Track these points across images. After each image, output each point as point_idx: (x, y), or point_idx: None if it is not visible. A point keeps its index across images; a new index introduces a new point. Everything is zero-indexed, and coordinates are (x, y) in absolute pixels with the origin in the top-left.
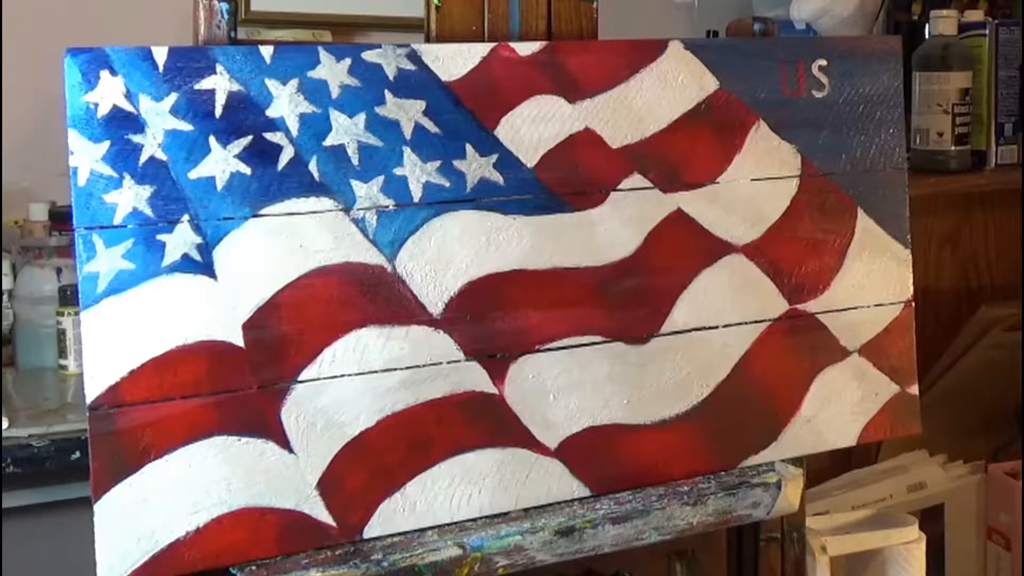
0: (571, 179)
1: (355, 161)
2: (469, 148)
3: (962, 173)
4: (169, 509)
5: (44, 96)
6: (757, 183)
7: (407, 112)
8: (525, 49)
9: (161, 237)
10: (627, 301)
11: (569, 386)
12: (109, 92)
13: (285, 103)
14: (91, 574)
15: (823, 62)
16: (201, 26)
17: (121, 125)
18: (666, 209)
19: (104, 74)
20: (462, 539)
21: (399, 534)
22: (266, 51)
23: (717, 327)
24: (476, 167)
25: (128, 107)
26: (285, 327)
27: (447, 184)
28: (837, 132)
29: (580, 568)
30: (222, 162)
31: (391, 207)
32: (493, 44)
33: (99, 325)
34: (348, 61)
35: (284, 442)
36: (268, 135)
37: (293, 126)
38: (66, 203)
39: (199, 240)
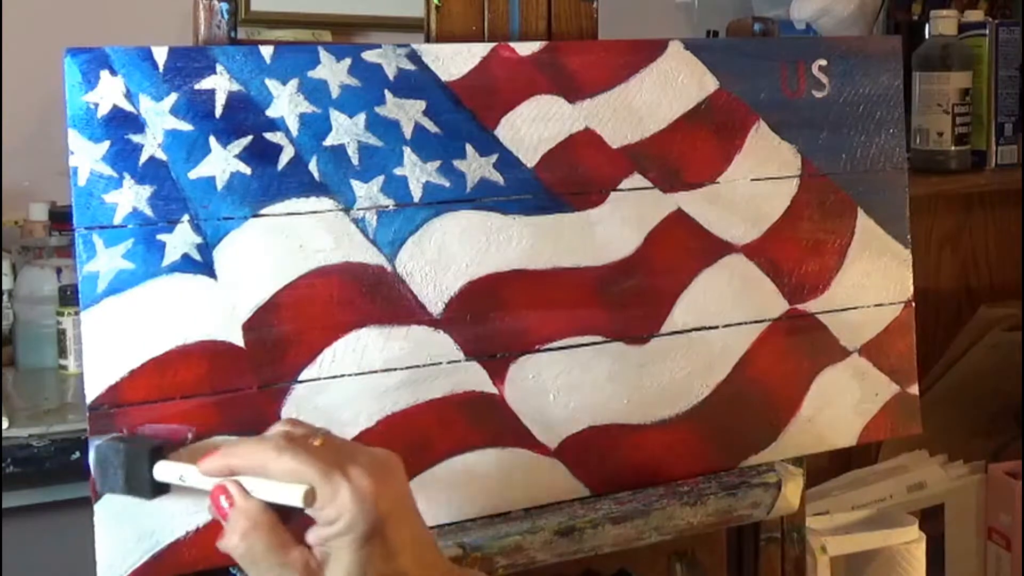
0: (571, 179)
1: (355, 161)
2: (469, 148)
3: (962, 173)
4: (169, 509)
5: (44, 96)
6: (757, 183)
7: (407, 112)
8: (525, 49)
9: (161, 237)
10: (627, 301)
11: (569, 386)
12: (109, 92)
13: (285, 103)
14: (91, 574)
15: (823, 62)
16: (201, 26)
17: (121, 125)
18: (666, 209)
19: (104, 74)
20: (462, 539)
21: None
22: (266, 51)
23: (717, 327)
24: (476, 167)
25: (128, 107)
26: (285, 327)
27: (447, 184)
28: (837, 132)
29: (580, 568)
30: (222, 162)
31: (391, 207)
32: (493, 44)
33: (99, 325)
34: (348, 61)
35: None
36: (268, 135)
37: (293, 126)
38: (66, 203)
39: (199, 240)
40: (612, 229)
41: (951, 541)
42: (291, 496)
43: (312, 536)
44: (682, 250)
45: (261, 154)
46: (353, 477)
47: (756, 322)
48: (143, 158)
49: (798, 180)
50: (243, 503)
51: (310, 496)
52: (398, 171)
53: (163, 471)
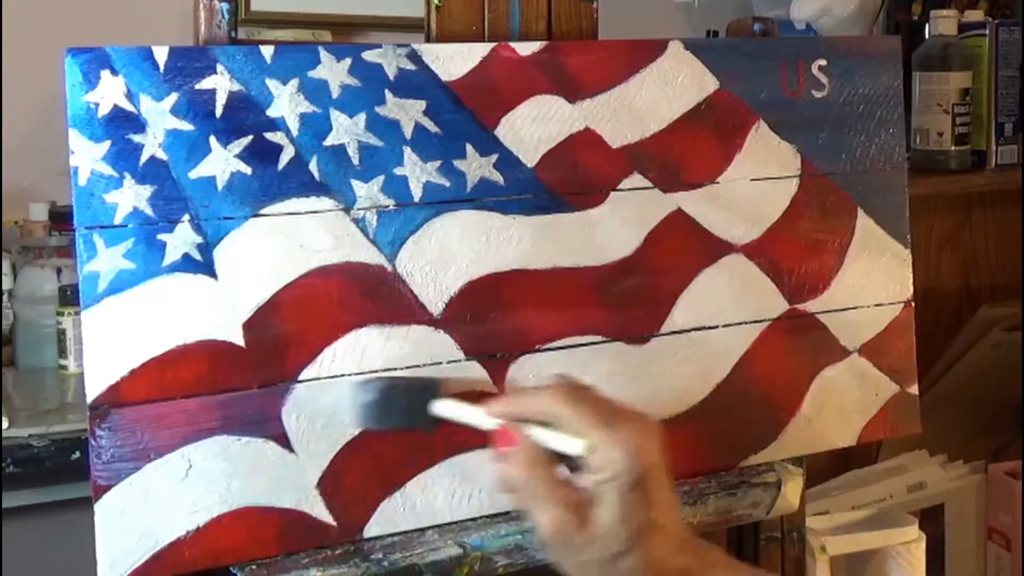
0: (571, 179)
1: (355, 161)
2: (469, 148)
3: (962, 173)
4: (169, 508)
5: (44, 96)
6: (757, 183)
7: (407, 112)
8: (525, 49)
9: (162, 237)
10: (627, 301)
11: None
12: (110, 92)
13: (285, 103)
14: (91, 574)
15: (823, 62)
16: (201, 26)
17: (122, 125)
18: (666, 209)
19: (105, 74)
20: (462, 538)
21: (399, 533)
22: (266, 51)
23: (717, 327)
24: (476, 167)
25: (129, 107)
26: (285, 327)
27: (447, 184)
28: (837, 132)
29: None
30: (222, 162)
31: (391, 207)
32: (493, 44)
33: (99, 325)
34: (348, 61)
35: (284, 441)
36: (268, 135)
37: (293, 126)
38: (66, 203)
39: (199, 240)
40: (612, 229)
41: (951, 541)
42: (571, 445)
43: (584, 480)
44: (682, 250)
45: (261, 154)
46: (623, 431)
47: (756, 322)
48: (144, 158)
49: (798, 180)
50: (525, 442)
51: (589, 447)
52: (398, 171)
53: (442, 408)
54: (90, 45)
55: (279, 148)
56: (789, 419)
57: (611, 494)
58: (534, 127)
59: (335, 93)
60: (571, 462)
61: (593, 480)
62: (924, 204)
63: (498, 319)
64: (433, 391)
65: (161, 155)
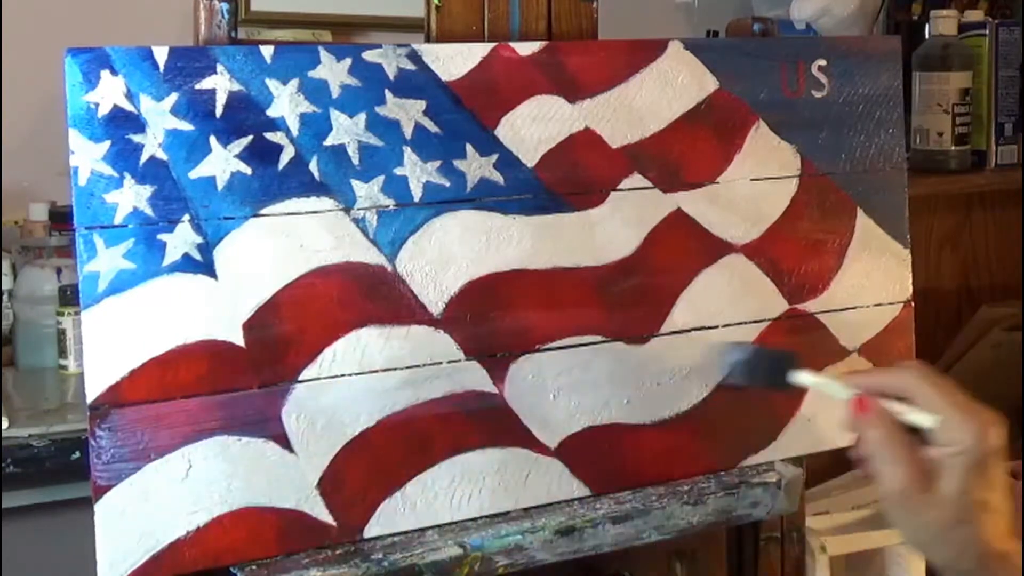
0: (571, 179)
1: (355, 161)
2: (469, 148)
3: (962, 173)
4: (170, 508)
5: (44, 96)
6: (757, 183)
7: (407, 112)
8: (525, 49)
9: (162, 237)
10: (627, 301)
11: (569, 386)
12: (110, 92)
13: (285, 103)
14: (91, 574)
15: (823, 62)
16: (201, 26)
17: (122, 125)
18: (666, 209)
19: (105, 74)
20: (462, 538)
21: (399, 534)
22: (266, 51)
23: (717, 327)
24: (476, 167)
25: (129, 107)
26: (286, 327)
27: (447, 184)
28: (837, 132)
29: (580, 568)
30: (222, 162)
31: (391, 207)
32: (493, 44)
33: (100, 325)
34: (348, 61)
35: (285, 442)
36: (268, 135)
37: (293, 126)
38: (66, 203)
39: (200, 240)
40: (612, 229)
41: None
42: (925, 419)
43: (931, 452)
44: (682, 250)
45: (261, 154)
46: (976, 414)
47: (756, 322)
48: (144, 158)
49: (798, 180)
50: (882, 411)
51: (941, 422)
52: (398, 171)
53: (803, 376)
54: (90, 45)
55: (279, 148)
56: (789, 419)
57: (956, 468)
58: (534, 127)
59: (335, 93)
60: (918, 435)
61: (941, 452)
62: (924, 204)
63: (498, 319)
64: (793, 361)
65: (161, 155)
